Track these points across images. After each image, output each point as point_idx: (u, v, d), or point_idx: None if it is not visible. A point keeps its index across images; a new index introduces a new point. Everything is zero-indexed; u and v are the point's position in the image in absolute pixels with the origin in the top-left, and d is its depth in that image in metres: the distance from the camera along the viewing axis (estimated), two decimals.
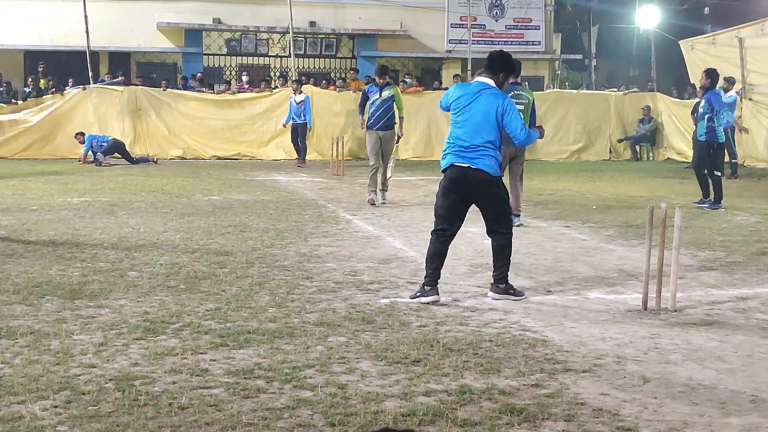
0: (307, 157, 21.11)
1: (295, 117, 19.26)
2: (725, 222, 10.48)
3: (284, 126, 19.80)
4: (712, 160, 11.88)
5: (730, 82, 17.50)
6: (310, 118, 19.45)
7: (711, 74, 11.86)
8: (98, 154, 18.23)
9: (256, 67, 26.26)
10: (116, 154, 18.77)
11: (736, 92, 19.11)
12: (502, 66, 6.46)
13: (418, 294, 6.19)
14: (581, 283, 6.89)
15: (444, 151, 6.36)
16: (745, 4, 27.82)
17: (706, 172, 11.90)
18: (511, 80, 10.96)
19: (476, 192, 6.25)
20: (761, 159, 18.99)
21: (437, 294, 6.16)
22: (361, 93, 13.53)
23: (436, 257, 6.27)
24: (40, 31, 24.22)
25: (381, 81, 12.33)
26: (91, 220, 10.02)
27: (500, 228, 6.36)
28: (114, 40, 24.59)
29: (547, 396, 4.15)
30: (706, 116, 11.70)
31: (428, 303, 6.07)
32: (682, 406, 4.06)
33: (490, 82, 6.37)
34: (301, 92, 19.35)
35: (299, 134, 19.37)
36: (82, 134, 18.87)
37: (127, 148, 19.05)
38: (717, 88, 12.36)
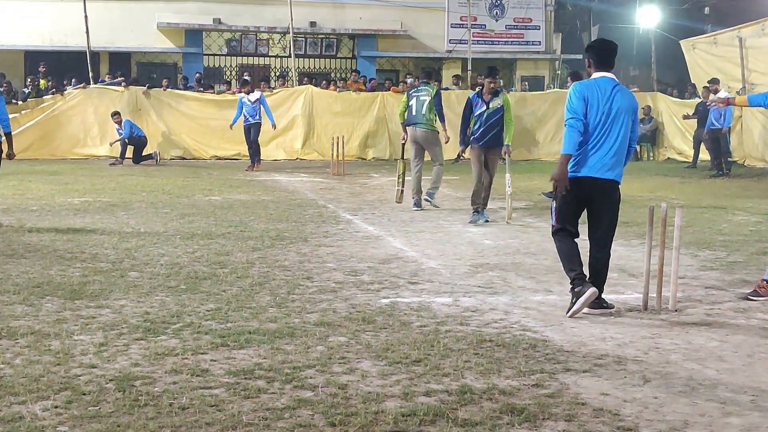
0: (307, 157, 21.14)
1: (249, 117, 18.20)
2: (725, 222, 10.48)
3: (231, 128, 18.57)
4: None
5: (714, 83, 17.54)
6: (272, 116, 18.48)
7: (573, 75, 12.86)
8: (124, 139, 18.68)
9: (256, 67, 26.28)
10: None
11: (737, 92, 19.12)
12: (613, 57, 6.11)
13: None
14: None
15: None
16: (745, 4, 27.82)
17: None
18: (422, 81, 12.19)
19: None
20: (761, 159, 18.99)
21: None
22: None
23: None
24: (40, 31, 24.24)
25: (492, 86, 10.48)
26: (92, 220, 10.02)
27: None
28: (114, 40, 24.61)
29: (548, 396, 4.15)
30: None
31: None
32: (682, 406, 4.06)
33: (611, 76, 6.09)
34: (253, 91, 18.55)
35: (252, 135, 18.34)
36: (119, 114, 19.02)
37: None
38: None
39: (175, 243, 8.48)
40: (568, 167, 5.87)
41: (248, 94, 18.48)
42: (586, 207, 6.03)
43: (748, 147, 19.40)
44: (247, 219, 10.25)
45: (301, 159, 21.12)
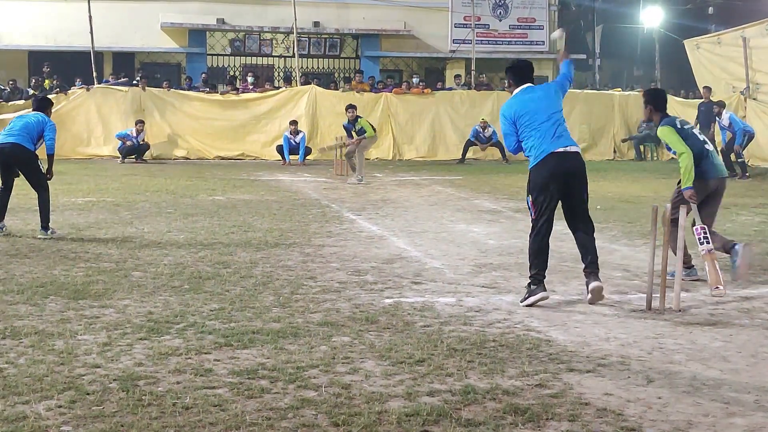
0: (311, 157, 21.13)
1: None
2: (729, 222, 10.46)
3: None
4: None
5: (707, 90, 17.50)
6: None
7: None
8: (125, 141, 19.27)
9: (259, 67, 26.29)
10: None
11: (740, 92, 19.10)
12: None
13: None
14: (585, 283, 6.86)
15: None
16: (749, 4, 27.76)
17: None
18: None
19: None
20: (766, 159, 18.94)
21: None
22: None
23: None
24: (44, 31, 24.27)
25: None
26: (95, 220, 10.03)
27: None
28: (118, 40, 24.63)
29: (551, 396, 4.15)
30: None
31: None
32: (686, 406, 4.05)
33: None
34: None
35: None
36: (143, 123, 19.84)
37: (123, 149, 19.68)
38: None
39: (179, 243, 8.49)
40: (532, 166, 6.29)
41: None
42: (561, 197, 6.33)
43: (752, 147, 19.33)
44: (251, 219, 10.26)
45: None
